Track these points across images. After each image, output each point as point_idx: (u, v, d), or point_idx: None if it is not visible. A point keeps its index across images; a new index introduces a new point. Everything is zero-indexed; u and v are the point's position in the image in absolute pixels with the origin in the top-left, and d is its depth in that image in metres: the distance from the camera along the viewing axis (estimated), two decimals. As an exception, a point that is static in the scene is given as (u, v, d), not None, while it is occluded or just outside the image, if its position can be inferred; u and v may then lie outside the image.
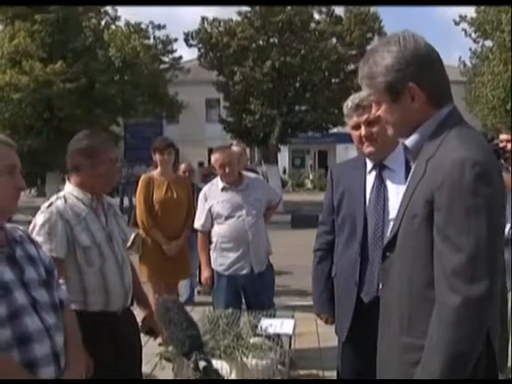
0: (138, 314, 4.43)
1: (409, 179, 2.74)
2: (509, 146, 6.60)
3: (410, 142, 2.70)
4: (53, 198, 4.09)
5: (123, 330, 4.12)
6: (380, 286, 3.75)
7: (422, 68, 2.59)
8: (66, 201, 4.04)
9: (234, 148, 7.31)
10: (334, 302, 4.36)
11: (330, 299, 4.39)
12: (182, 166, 9.09)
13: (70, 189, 4.14)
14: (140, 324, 4.47)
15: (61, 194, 4.13)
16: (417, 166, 2.65)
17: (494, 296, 2.42)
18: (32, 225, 3.96)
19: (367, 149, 4.05)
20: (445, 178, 2.38)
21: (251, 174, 7.00)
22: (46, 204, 4.03)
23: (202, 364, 2.59)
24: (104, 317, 4.00)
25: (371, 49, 2.81)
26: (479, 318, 2.35)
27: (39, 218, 3.94)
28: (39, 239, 3.82)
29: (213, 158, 6.53)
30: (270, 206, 6.74)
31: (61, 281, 3.82)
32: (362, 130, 4.04)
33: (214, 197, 6.47)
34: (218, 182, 6.55)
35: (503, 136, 6.81)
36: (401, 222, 2.64)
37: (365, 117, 4.00)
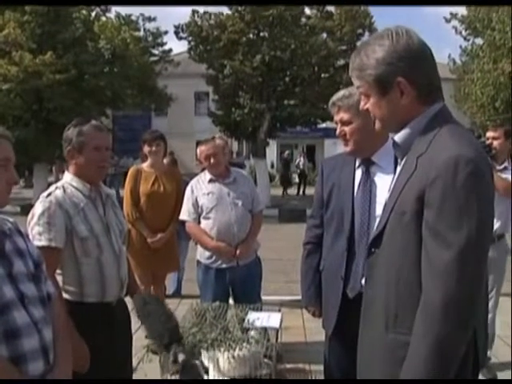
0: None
1: (397, 176, 2.74)
2: (495, 143, 6.62)
3: (399, 137, 2.70)
4: (52, 188, 4.10)
5: (118, 320, 4.14)
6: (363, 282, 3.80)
7: (413, 64, 2.59)
8: (64, 191, 4.05)
9: (218, 141, 7.31)
10: (321, 295, 4.38)
11: (318, 292, 4.41)
12: (165, 160, 9.02)
13: (68, 178, 4.16)
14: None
15: (59, 184, 4.15)
16: (406, 162, 2.65)
17: (481, 294, 2.44)
18: (30, 214, 3.97)
19: (345, 148, 4.13)
20: (438, 174, 2.38)
21: (241, 171, 7.01)
22: (45, 194, 4.04)
23: (181, 357, 2.61)
24: (100, 308, 4.02)
25: (363, 42, 2.82)
26: (466, 314, 2.35)
27: (38, 208, 3.94)
28: (38, 229, 3.86)
29: (198, 150, 6.54)
30: (252, 211, 6.60)
31: (58, 271, 3.85)
32: (337, 129, 4.12)
33: (200, 189, 6.46)
34: (205, 175, 6.55)
35: (489, 133, 6.84)
36: (388, 219, 2.64)
37: (339, 116, 4.07)
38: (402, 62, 2.58)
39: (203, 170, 6.76)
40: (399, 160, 2.81)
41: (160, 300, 3.89)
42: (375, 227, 2.88)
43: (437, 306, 2.34)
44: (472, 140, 2.60)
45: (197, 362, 3.78)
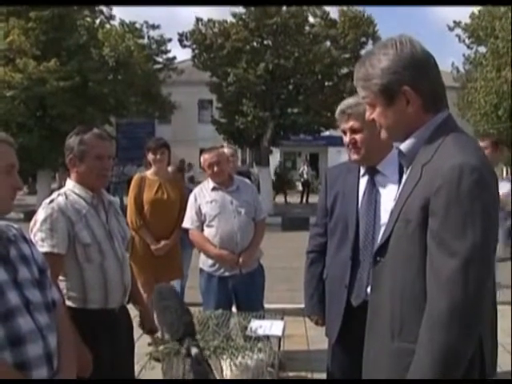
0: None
1: (402, 184, 2.74)
2: (486, 152, 6.59)
3: (404, 146, 2.70)
4: (54, 195, 4.12)
5: (120, 327, 4.14)
6: (369, 291, 3.76)
7: (417, 72, 2.59)
8: (67, 197, 4.06)
9: (226, 150, 7.31)
10: (324, 303, 4.36)
11: (321, 301, 4.39)
12: (170, 168, 8.99)
13: (71, 186, 4.17)
14: (139, 324, 4.51)
15: (62, 190, 4.15)
16: (412, 171, 2.65)
17: (486, 302, 2.43)
18: (33, 221, 3.98)
19: (352, 156, 4.08)
20: (442, 183, 2.38)
21: (244, 179, 7.00)
22: (48, 200, 4.06)
23: (193, 351, 2.62)
24: (103, 314, 4.02)
25: (368, 52, 2.81)
26: (470, 323, 2.35)
27: (41, 214, 3.96)
28: (41, 235, 3.86)
29: (202, 158, 6.56)
30: (255, 219, 6.61)
31: (61, 277, 3.85)
32: (347, 137, 4.06)
33: (203, 197, 6.47)
34: (208, 183, 6.56)
35: (481, 143, 6.80)
36: (393, 227, 2.64)
37: (349, 124, 4.02)
38: (407, 71, 2.58)
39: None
40: (405, 169, 2.81)
41: (177, 294, 3.89)
42: (380, 236, 2.88)
43: (442, 314, 2.33)
44: (477, 148, 2.61)
45: (209, 360, 3.78)
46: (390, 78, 2.60)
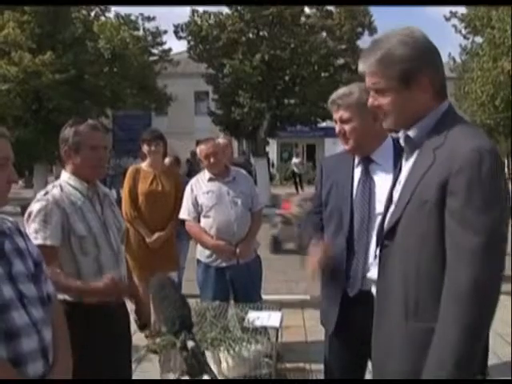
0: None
1: (409, 169, 2.79)
2: None
3: (413, 132, 2.77)
4: (49, 187, 4.11)
5: (117, 320, 4.12)
6: (363, 280, 3.76)
7: (430, 61, 2.71)
8: (62, 189, 4.04)
9: (220, 140, 7.31)
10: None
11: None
12: (167, 160, 8.93)
13: (66, 177, 4.15)
14: (134, 318, 4.48)
15: (57, 182, 4.14)
16: (421, 155, 2.71)
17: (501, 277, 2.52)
18: (27, 212, 3.96)
19: (344, 146, 4.08)
20: (463, 165, 2.47)
21: (241, 170, 6.99)
22: (43, 192, 4.05)
23: (190, 344, 2.59)
24: (99, 308, 3.98)
25: (381, 40, 2.82)
26: (493, 300, 2.46)
27: (35, 206, 3.94)
28: (34, 226, 3.85)
29: (198, 149, 6.57)
30: (252, 210, 6.61)
31: (57, 270, 3.82)
32: (336, 127, 4.06)
33: (199, 187, 6.48)
34: (204, 174, 6.55)
35: None
36: (403, 210, 2.69)
37: (339, 114, 4.01)
38: (422, 60, 2.68)
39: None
40: (405, 155, 2.88)
41: (176, 285, 3.86)
42: (385, 221, 2.90)
43: (467, 290, 2.40)
44: (483, 133, 2.76)
45: (206, 352, 3.77)
46: (410, 65, 2.67)
